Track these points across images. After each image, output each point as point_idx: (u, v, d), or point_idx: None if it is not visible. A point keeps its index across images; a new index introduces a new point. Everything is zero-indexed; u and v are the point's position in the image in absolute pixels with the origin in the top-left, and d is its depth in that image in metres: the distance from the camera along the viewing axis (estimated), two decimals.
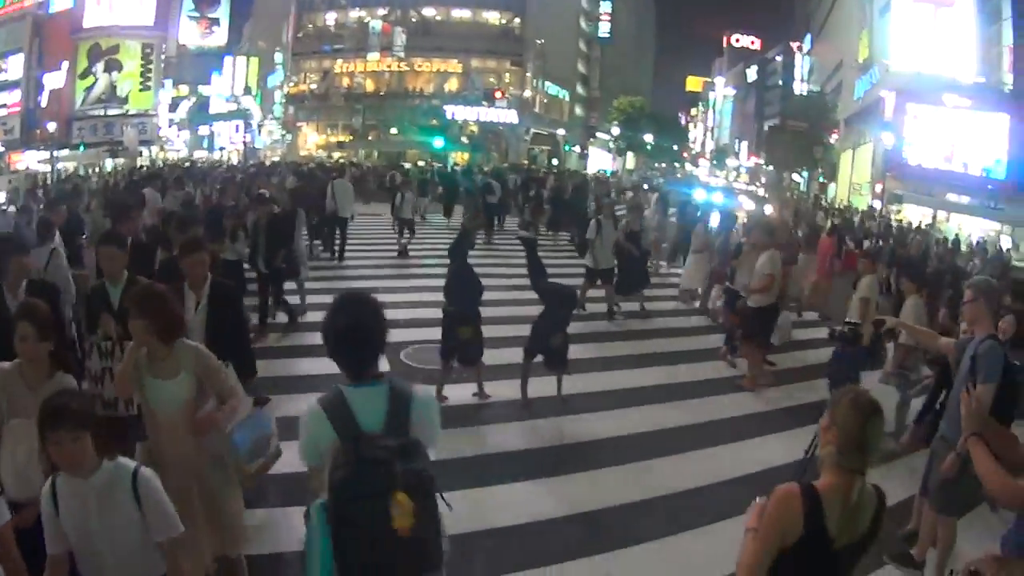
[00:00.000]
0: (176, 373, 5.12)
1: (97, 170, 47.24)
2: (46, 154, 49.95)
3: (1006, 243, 39.33)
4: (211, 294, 6.83)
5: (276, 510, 7.07)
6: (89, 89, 62.50)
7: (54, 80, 60.91)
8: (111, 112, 61.91)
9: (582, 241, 18.21)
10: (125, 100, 63.20)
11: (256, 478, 5.70)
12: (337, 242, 21.07)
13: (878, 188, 53.12)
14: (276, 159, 64.67)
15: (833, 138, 70.12)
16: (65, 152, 54.64)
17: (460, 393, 10.36)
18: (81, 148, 57.08)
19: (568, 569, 6.58)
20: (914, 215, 47.16)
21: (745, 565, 3.58)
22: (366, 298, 3.97)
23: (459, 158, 70.92)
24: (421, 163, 61.51)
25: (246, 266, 13.03)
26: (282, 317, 13.57)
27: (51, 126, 57.52)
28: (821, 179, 73.13)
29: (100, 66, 62.73)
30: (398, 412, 3.75)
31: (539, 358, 10.31)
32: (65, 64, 60.54)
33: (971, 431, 4.40)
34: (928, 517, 6.68)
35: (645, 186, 48.79)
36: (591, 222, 16.32)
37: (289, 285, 14.03)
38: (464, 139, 75.77)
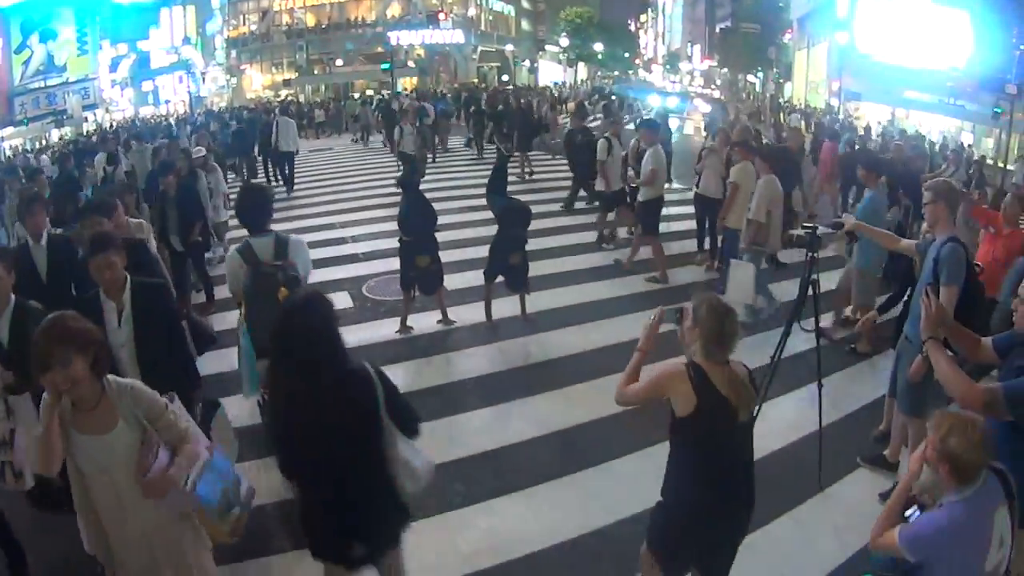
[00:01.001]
0: (111, 424, 4.06)
1: (44, 142, 46.40)
2: None
3: (967, 140, 39.58)
4: (135, 299, 5.54)
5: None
6: (26, 63, 60.98)
7: None
8: (51, 82, 60.58)
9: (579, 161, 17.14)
10: (64, 68, 61.85)
11: (239, 530, 4.56)
12: (286, 174, 22.63)
13: (835, 87, 53.01)
14: (223, 105, 63.84)
15: (787, 38, 69.71)
16: (10, 130, 53.54)
17: (425, 322, 10.54)
18: (25, 124, 55.88)
19: (546, 489, 6.69)
20: (872, 113, 47.22)
21: (631, 393, 4.54)
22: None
23: (407, 83, 70.19)
24: (370, 92, 60.88)
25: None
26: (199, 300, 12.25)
27: None
28: (778, 79, 72.77)
29: (35, 38, 61.21)
30: (279, 249, 6.52)
31: (500, 279, 10.28)
32: None
33: (930, 334, 4.52)
34: (898, 419, 6.73)
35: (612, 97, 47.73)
36: (600, 141, 14.52)
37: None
38: (411, 63, 74.80)
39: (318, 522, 4.38)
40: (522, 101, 31.62)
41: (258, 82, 79.75)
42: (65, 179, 17.10)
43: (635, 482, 6.68)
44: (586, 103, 35.39)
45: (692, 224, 14.21)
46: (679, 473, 4.37)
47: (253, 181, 21.67)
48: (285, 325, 4.08)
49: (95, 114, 60.77)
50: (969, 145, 38.14)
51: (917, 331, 6.06)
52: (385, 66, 59.52)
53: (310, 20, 78.87)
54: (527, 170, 22.38)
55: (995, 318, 6.91)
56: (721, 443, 4.20)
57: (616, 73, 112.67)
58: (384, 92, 55.70)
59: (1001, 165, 32.13)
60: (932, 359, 4.45)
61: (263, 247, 6.46)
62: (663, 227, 13.42)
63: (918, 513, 3.79)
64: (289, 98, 60.79)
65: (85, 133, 45.47)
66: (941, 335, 4.59)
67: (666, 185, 13.57)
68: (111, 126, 50.34)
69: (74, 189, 14.82)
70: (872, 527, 3.91)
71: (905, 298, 7.35)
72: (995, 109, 35.84)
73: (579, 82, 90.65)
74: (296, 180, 22.77)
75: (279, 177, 22.89)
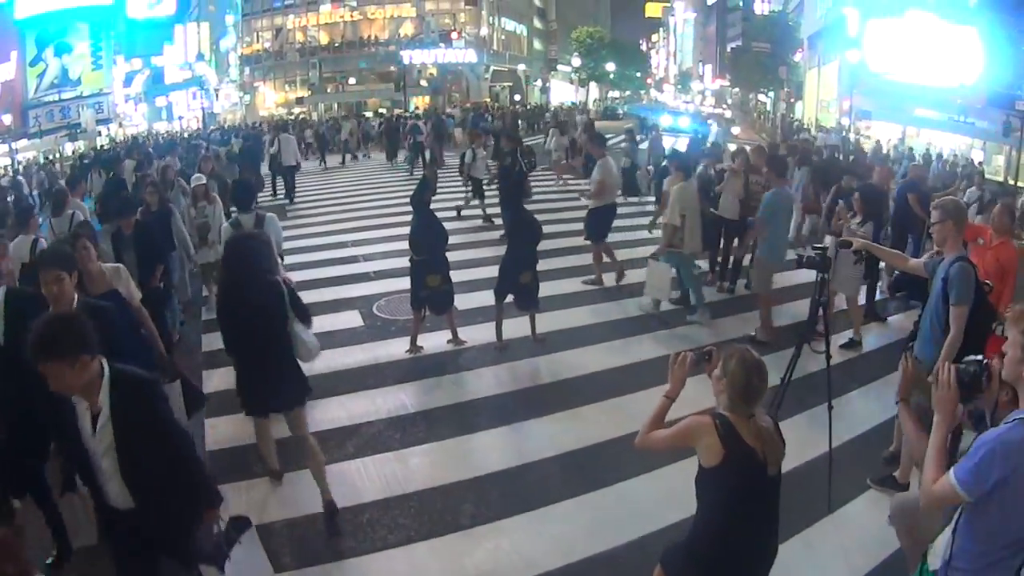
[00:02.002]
0: None
1: (58, 155, 46.63)
2: (4, 147, 49.09)
3: (977, 157, 39.54)
4: (114, 400, 4.20)
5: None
6: (41, 76, 61.38)
7: (4, 72, 59.60)
8: (65, 96, 60.91)
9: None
10: (78, 82, 62.20)
11: None
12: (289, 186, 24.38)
13: (845, 105, 53.01)
14: (236, 122, 64.25)
15: (798, 57, 69.76)
16: (24, 142, 53.76)
17: (435, 341, 10.54)
18: (39, 136, 56.13)
19: (555, 510, 6.69)
20: (882, 132, 47.21)
21: (655, 440, 4.36)
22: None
23: (420, 102, 70.51)
24: (382, 111, 61.17)
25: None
26: None
27: (6, 118, 56.38)
28: (788, 98, 72.79)
29: (50, 51, 61.61)
30: (258, 223, 9.03)
31: (510, 298, 10.29)
32: (14, 54, 59.32)
33: (902, 396, 4.44)
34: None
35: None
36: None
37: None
38: (423, 82, 75.10)
39: (247, 386, 6.61)
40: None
41: (271, 99, 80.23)
42: (115, 181, 18.25)
43: (645, 504, 6.70)
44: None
45: None
46: (707, 524, 4.24)
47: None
48: (225, 253, 6.75)
49: (108, 128, 61.03)
50: (980, 163, 38.08)
51: (927, 352, 6.06)
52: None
53: (323, 38, 79.47)
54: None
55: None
56: (749, 496, 4.09)
57: (628, 93, 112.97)
58: (381, 111, 56.22)
59: (1012, 182, 31.97)
60: (901, 420, 4.41)
61: (247, 220, 9.23)
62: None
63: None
64: (302, 116, 61.23)
65: (98, 147, 45.62)
66: (914, 396, 4.48)
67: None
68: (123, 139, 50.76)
69: (121, 187, 16.59)
70: (920, 489, 3.78)
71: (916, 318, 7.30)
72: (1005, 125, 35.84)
73: (596, 102, 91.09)
74: (310, 198, 23.81)
75: (285, 189, 24.59)
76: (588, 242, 13.74)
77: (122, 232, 9.81)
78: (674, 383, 4.45)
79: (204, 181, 12.82)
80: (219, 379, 9.43)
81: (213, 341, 10.44)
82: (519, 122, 38.54)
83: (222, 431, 8.17)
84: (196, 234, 12.05)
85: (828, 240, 10.61)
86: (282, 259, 10.85)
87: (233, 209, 10.19)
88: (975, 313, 5.84)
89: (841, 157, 28.11)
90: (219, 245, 11.31)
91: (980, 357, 3.89)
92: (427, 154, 30.10)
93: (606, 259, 13.47)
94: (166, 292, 10.38)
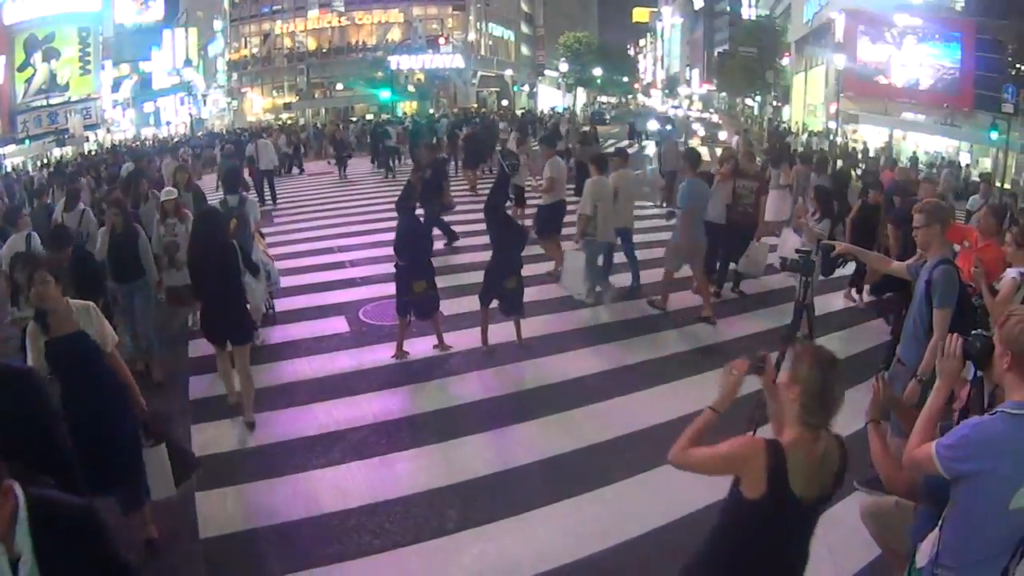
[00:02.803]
0: None
1: (45, 161, 46.53)
2: None
3: (964, 159, 39.73)
4: (37, 539, 2.99)
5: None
6: (29, 81, 61.20)
7: None
8: (53, 101, 60.78)
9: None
10: (66, 87, 62.09)
11: None
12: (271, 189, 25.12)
13: (832, 109, 53.31)
14: (223, 127, 64.29)
15: (784, 61, 70.09)
16: (11, 148, 53.68)
17: (421, 347, 10.52)
18: (27, 142, 56.02)
19: (541, 515, 6.70)
20: (870, 135, 47.47)
21: (696, 459, 3.81)
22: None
23: (407, 108, 70.58)
24: (370, 116, 61.19)
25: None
26: None
27: None
28: (775, 102, 73.14)
29: (38, 56, 61.47)
30: (239, 204, 11.61)
31: (495, 303, 10.31)
32: (2, 59, 59.16)
33: (873, 417, 4.35)
34: (893, 442, 6.70)
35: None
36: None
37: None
38: (411, 88, 75.14)
39: (209, 324, 8.61)
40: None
41: (259, 105, 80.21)
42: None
43: (630, 508, 6.70)
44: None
45: None
46: (730, 551, 3.79)
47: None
48: (194, 221, 9.13)
49: (96, 134, 60.95)
50: (967, 165, 38.31)
51: (910, 354, 6.08)
52: (384, 90, 59.86)
53: (311, 44, 79.55)
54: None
55: None
56: (782, 529, 3.67)
57: (615, 100, 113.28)
58: (368, 116, 56.42)
59: (999, 185, 32.16)
60: (870, 440, 4.23)
61: (232, 200, 11.82)
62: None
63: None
64: (289, 121, 61.31)
65: (86, 152, 45.60)
66: (880, 416, 4.41)
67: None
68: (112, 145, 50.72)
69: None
70: (905, 449, 3.81)
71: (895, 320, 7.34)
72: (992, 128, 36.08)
73: (585, 107, 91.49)
74: (295, 203, 24.11)
75: (270, 193, 25.06)
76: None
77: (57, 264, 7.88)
78: (724, 395, 3.96)
79: (175, 196, 11.16)
80: (207, 385, 9.44)
81: (194, 348, 10.63)
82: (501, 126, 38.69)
83: (209, 436, 8.16)
84: (164, 254, 10.41)
85: (794, 240, 10.79)
86: (262, 236, 12.90)
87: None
88: (959, 314, 5.85)
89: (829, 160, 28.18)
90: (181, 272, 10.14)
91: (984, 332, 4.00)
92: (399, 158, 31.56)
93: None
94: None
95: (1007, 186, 32.26)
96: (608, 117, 72.56)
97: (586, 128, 36.41)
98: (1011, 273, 7.29)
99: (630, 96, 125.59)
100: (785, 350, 6.69)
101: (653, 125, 50.43)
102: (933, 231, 6.02)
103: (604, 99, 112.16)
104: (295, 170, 34.39)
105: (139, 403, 6.10)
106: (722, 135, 53.13)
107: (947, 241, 6.27)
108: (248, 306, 9.01)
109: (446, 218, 15.90)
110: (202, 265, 8.37)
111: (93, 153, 43.74)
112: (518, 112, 65.12)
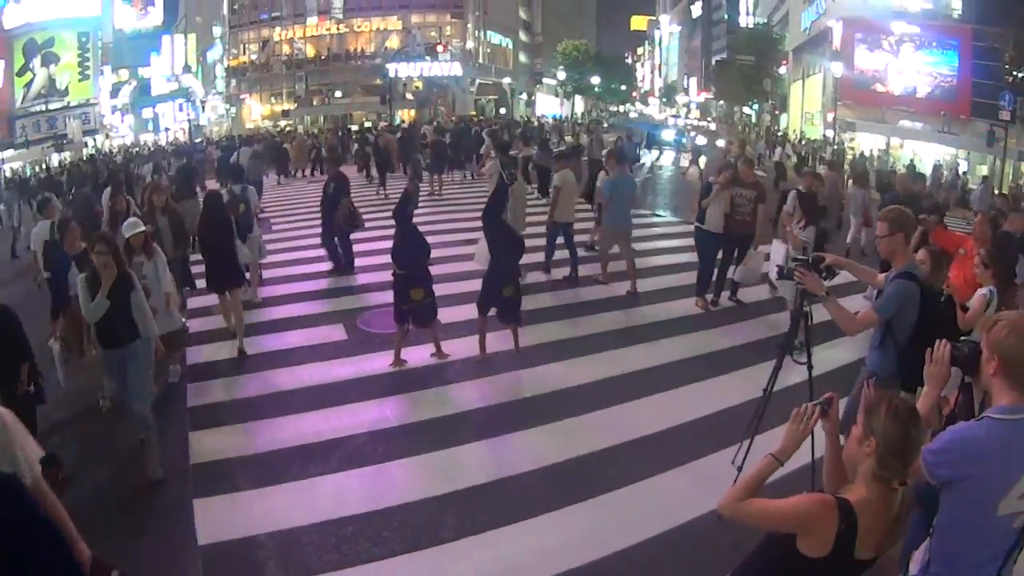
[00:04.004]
0: None
1: (44, 166, 46.57)
2: None
3: (962, 167, 39.81)
4: None
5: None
6: (28, 85, 61.51)
7: None
8: (53, 106, 60.99)
9: None
10: (65, 92, 62.21)
11: None
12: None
13: (830, 117, 53.46)
14: (222, 133, 64.35)
15: (782, 69, 70.26)
16: (10, 152, 53.75)
17: (419, 355, 10.53)
18: (26, 146, 56.09)
19: (538, 522, 6.72)
20: (867, 143, 47.59)
21: (754, 512, 3.52)
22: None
23: (406, 115, 70.61)
24: (367, 123, 61.32)
25: None
26: None
27: None
28: (773, 110, 73.33)
29: (37, 61, 61.78)
30: (243, 191, 13.95)
31: (493, 311, 10.33)
32: (1, 64, 59.26)
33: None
34: None
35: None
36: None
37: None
38: (409, 96, 75.21)
39: (211, 276, 11.15)
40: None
41: (257, 112, 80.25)
42: (186, 168, 21.09)
43: (628, 516, 6.72)
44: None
45: (691, 256, 14.14)
46: None
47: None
48: (205, 199, 12.21)
49: (95, 139, 61.03)
50: (964, 172, 38.36)
51: (870, 361, 6.08)
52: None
53: (310, 51, 79.63)
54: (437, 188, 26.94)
55: None
56: None
57: (613, 109, 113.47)
58: (367, 123, 56.68)
59: (996, 191, 32.16)
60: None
61: (237, 189, 13.95)
62: (664, 260, 13.56)
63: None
64: (288, 128, 61.51)
65: (85, 158, 45.62)
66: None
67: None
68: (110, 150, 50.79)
69: (192, 174, 19.62)
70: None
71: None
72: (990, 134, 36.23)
73: (585, 114, 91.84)
74: (289, 211, 24.36)
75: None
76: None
77: None
78: (789, 443, 3.72)
79: (142, 229, 8.88)
80: (205, 392, 9.47)
81: (193, 355, 10.78)
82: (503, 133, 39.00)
83: (206, 444, 8.16)
84: None
85: (779, 249, 10.83)
86: (258, 220, 15.61)
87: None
88: (934, 328, 5.78)
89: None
90: (171, 314, 9.12)
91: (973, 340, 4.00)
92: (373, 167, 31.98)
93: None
94: (38, 396, 7.05)
95: (1004, 192, 32.23)
96: (606, 125, 72.80)
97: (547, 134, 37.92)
98: (981, 291, 7.35)
99: (627, 104, 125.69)
100: (782, 359, 6.79)
101: (669, 135, 50.86)
102: (896, 240, 5.95)
103: (613, 108, 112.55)
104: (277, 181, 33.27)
105: (79, 549, 4.30)
106: (719, 142, 53.23)
107: (910, 251, 6.19)
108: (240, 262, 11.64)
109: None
110: (209, 233, 11.07)
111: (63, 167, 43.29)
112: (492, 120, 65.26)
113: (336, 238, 15.52)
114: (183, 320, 10.31)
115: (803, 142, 53.61)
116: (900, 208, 6.22)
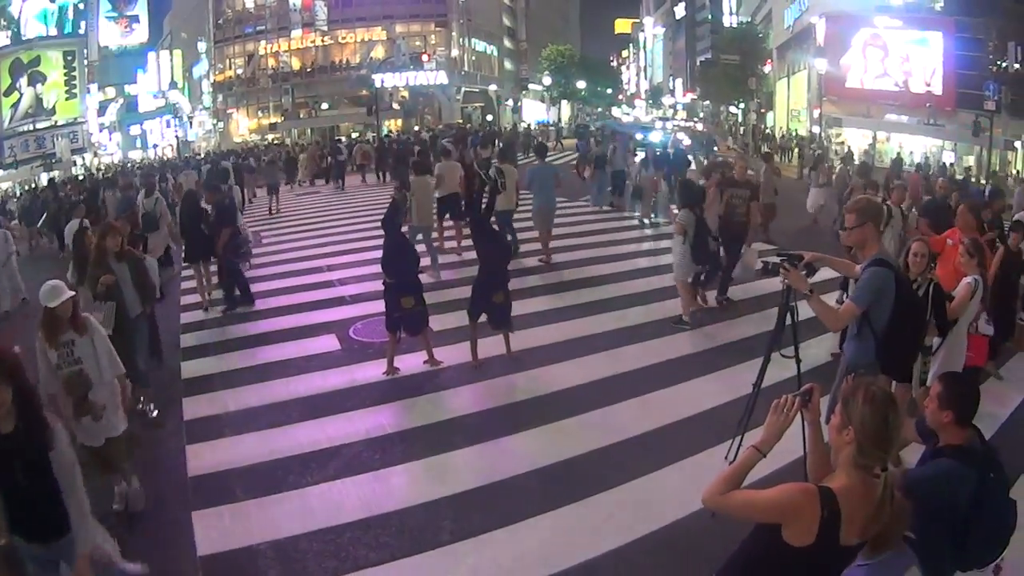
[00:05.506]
0: None
1: (33, 186, 46.43)
2: None
3: (949, 159, 39.89)
4: None
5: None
6: (15, 105, 61.38)
7: None
8: (40, 125, 60.86)
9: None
10: (52, 111, 62.09)
11: None
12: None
13: (815, 113, 53.59)
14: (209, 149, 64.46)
15: (767, 68, 70.36)
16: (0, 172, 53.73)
17: (411, 363, 10.61)
18: (14, 167, 55.99)
19: (533, 524, 6.78)
20: (853, 138, 47.71)
21: (736, 503, 3.56)
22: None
23: (392, 125, 70.64)
24: (355, 134, 61.33)
25: None
26: None
27: None
28: (759, 108, 73.46)
29: (23, 80, 61.61)
30: (229, 189, 18.79)
31: (484, 317, 10.42)
32: None
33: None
34: None
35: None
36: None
37: None
38: (395, 105, 75.20)
39: (191, 251, 14.16)
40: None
41: (244, 126, 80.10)
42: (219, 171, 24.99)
43: (622, 515, 6.78)
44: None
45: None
46: None
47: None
48: (183, 197, 15.43)
49: (84, 158, 60.94)
50: (951, 164, 38.49)
51: (848, 351, 6.15)
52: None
53: (295, 64, 79.42)
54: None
55: None
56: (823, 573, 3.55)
57: (600, 110, 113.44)
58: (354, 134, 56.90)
59: (984, 182, 32.25)
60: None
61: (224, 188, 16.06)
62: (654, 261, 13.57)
63: None
64: (275, 141, 61.62)
65: (75, 176, 45.60)
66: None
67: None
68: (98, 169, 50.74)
69: (224, 178, 23.47)
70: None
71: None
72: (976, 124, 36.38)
73: (571, 119, 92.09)
74: (282, 223, 24.57)
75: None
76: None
77: None
78: (770, 435, 3.71)
79: (64, 300, 6.28)
80: (200, 405, 9.52)
81: (188, 369, 10.88)
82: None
83: (204, 457, 8.20)
84: (68, 394, 6.34)
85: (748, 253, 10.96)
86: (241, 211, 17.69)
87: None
88: (903, 316, 5.81)
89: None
90: (113, 417, 6.71)
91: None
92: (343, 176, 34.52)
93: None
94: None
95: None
96: (593, 128, 72.94)
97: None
98: (967, 279, 7.44)
99: (613, 107, 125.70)
100: (769, 355, 6.85)
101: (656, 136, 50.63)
102: (867, 230, 6.00)
103: (601, 111, 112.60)
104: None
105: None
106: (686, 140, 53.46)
107: (881, 240, 6.28)
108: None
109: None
110: (189, 222, 14.20)
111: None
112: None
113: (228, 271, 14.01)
114: (151, 413, 9.11)
115: (784, 138, 53.82)
116: (868, 198, 6.35)
